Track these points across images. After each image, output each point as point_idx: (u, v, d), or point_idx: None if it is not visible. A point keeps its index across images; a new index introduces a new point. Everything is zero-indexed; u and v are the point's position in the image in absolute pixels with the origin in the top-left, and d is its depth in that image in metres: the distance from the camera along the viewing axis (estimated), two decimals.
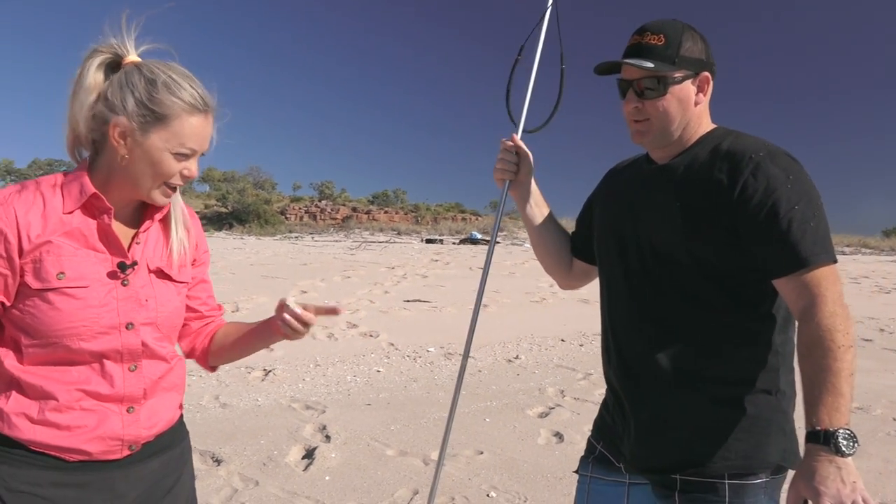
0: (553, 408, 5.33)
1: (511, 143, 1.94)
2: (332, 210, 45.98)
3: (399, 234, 35.53)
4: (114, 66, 1.37)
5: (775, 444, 1.53)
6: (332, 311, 1.51)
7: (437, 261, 18.58)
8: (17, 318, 1.32)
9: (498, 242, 1.92)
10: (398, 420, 4.92)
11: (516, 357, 7.24)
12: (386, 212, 47.83)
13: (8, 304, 1.32)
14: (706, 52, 1.60)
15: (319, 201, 49.93)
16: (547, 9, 2.08)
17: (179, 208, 1.50)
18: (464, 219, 47.26)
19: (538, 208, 1.96)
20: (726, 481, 1.51)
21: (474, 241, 27.58)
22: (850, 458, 1.27)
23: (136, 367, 1.39)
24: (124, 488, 1.40)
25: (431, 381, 6.15)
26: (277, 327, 1.49)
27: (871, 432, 4.98)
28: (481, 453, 4.28)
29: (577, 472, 1.84)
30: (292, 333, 1.48)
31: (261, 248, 21.48)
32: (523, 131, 2.01)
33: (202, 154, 1.41)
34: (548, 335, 8.36)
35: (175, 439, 1.53)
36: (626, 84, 1.61)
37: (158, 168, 1.34)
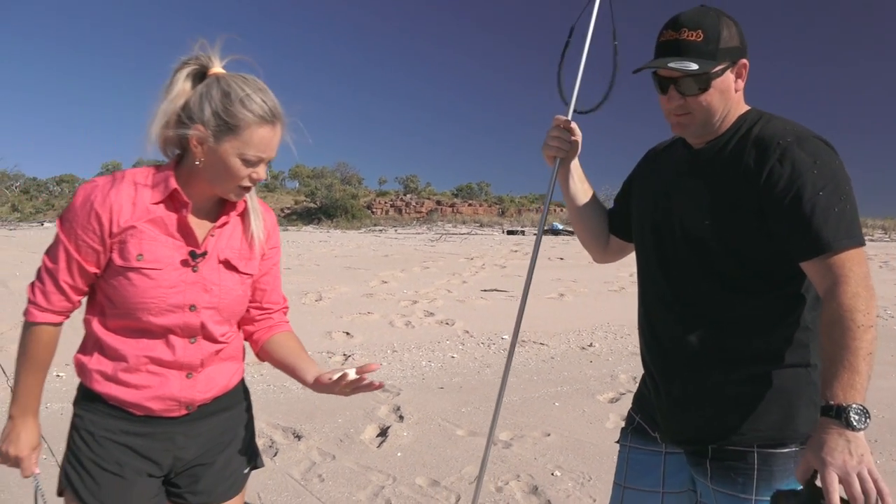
0: (624, 394, 5.35)
1: (565, 120, 1.96)
2: (416, 203, 46.60)
3: (481, 226, 35.66)
4: (200, 76, 1.55)
5: (805, 415, 1.56)
6: (376, 387, 1.66)
7: (516, 251, 18.62)
8: (104, 288, 1.55)
9: (570, 233, 1.92)
10: (469, 403, 5.08)
11: (590, 345, 7.27)
12: (470, 204, 48.07)
13: (99, 273, 1.55)
14: (741, 37, 1.60)
15: (405, 195, 50.68)
16: None
17: (256, 205, 1.68)
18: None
19: (581, 185, 2.01)
20: (755, 450, 1.57)
21: (556, 232, 27.39)
22: (861, 432, 1.30)
23: (195, 340, 1.60)
24: (184, 442, 1.63)
25: (504, 366, 6.27)
26: (322, 384, 1.64)
27: None
28: (549, 435, 4.38)
29: (617, 441, 1.93)
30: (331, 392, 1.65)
31: (345, 241, 22.12)
32: (576, 112, 2.01)
33: (270, 160, 1.57)
34: (624, 324, 8.33)
35: (233, 402, 1.73)
36: (667, 81, 1.60)
37: (229, 172, 1.52)
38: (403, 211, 45.24)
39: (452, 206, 47.24)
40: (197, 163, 1.52)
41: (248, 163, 1.51)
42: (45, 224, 32.17)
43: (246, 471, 1.76)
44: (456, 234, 28.87)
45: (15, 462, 1.61)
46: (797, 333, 1.58)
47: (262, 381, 5.44)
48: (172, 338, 1.57)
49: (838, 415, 1.30)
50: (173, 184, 1.53)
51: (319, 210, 40.21)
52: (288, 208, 42.35)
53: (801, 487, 1.32)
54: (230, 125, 1.48)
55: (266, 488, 3.49)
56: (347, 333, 7.47)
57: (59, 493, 1.62)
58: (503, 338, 7.41)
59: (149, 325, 1.54)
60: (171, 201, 1.55)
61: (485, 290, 11.13)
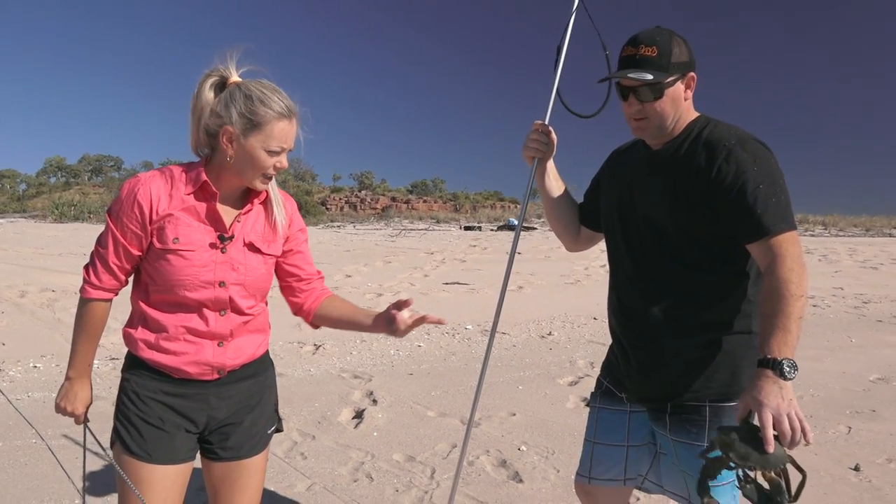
0: (582, 377, 5.70)
1: (542, 124, 2.23)
2: (371, 200, 46.55)
3: (438, 222, 35.91)
4: (221, 85, 1.79)
5: (749, 374, 1.84)
6: (438, 321, 1.89)
7: (474, 246, 18.97)
8: (147, 268, 1.79)
9: (535, 228, 2.11)
10: (438, 387, 5.36)
11: (549, 333, 7.62)
12: (425, 201, 48.23)
13: (142, 255, 1.78)
14: (690, 53, 1.90)
15: (359, 191, 50.56)
16: (574, 8, 2.30)
17: (277, 194, 1.92)
18: (503, 206, 47.39)
19: (556, 182, 2.28)
20: (707, 404, 1.87)
21: (511, 228, 27.83)
22: (790, 382, 1.59)
23: (225, 312, 1.83)
24: (216, 402, 1.86)
25: (469, 354, 6.58)
26: (382, 325, 1.90)
27: (890, 399, 5.24)
28: (514, 415, 4.69)
29: (587, 404, 2.22)
30: (395, 334, 1.89)
31: None
32: (580, 116, 2.23)
33: (290, 150, 1.81)
34: (581, 314, 8.72)
35: (259, 370, 1.97)
36: (626, 90, 1.88)
37: (256, 163, 1.76)
38: (358, 207, 45.20)
39: (408, 202, 47.38)
40: (228, 158, 1.75)
41: (272, 153, 1.75)
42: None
43: (270, 431, 1.99)
44: (415, 229, 29.09)
45: (71, 415, 1.86)
46: (742, 305, 1.88)
47: None
48: (205, 311, 1.80)
49: (773, 366, 1.57)
50: (203, 177, 1.77)
51: None
52: None
53: (738, 424, 1.60)
54: (254, 122, 1.72)
55: None
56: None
57: (111, 446, 1.84)
58: (467, 328, 7.70)
59: (185, 300, 1.77)
60: (202, 192, 1.78)
61: (446, 283, 11.42)
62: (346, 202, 45.98)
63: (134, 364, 1.83)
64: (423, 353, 6.57)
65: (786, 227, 1.74)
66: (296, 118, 1.78)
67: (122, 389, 1.84)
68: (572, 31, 2.32)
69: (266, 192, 1.88)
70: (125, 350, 1.88)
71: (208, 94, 1.75)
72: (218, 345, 1.83)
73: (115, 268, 1.78)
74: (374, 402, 4.91)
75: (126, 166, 53.46)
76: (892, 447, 4.17)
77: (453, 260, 15.53)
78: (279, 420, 2.05)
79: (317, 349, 6.56)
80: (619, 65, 1.90)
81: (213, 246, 1.78)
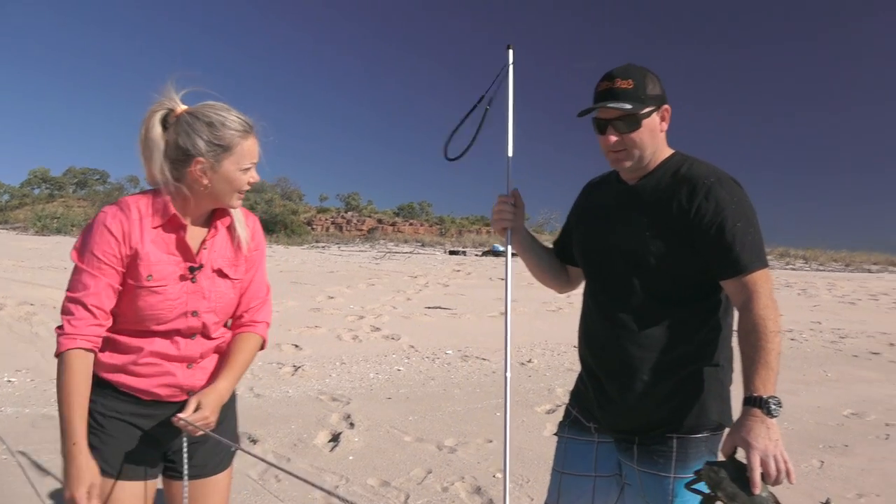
0: (560, 405, 5.72)
1: (507, 197, 2.19)
2: (357, 221, 46.50)
3: (423, 245, 35.94)
4: (167, 118, 1.77)
5: (715, 407, 1.91)
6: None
7: (458, 271, 19.00)
8: (121, 301, 1.78)
9: (514, 255, 2.13)
10: (416, 412, 5.35)
11: (529, 360, 7.64)
12: (411, 224, 48.24)
13: (120, 289, 1.77)
14: (662, 88, 1.95)
15: (345, 213, 50.52)
16: (508, 65, 2.22)
17: (239, 213, 1.93)
18: (488, 231, 47.43)
19: (532, 243, 2.26)
20: (675, 436, 1.89)
21: (496, 254, 27.90)
22: (776, 419, 1.64)
23: (195, 336, 1.86)
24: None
25: (448, 379, 6.58)
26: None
27: (862, 434, 5.31)
28: (491, 441, 4.69)
29: (556, 434, 2.24)
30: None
31: (289, 257, 22.07)
32: (447, 158, 2.19)
33: (257, 163, 1.84)
34: (561, 342, 8.75)
35: None
36: (604, 122, 1.90)
37: (234, 184, 1.79)
38: (344, 228, 45.12)
39: (394, 224, 47.37)
40: (203, 187, 1.77)
41: (244, 171, 1.79)
42: None
43: (233, 449, 2.01)
44: (399, 252, 29.10)
45: (91, 496, 1.68)
46: (711, 337, 1.92)
47: None
48: (177, 337, 1.82)
49: (760, 405, 1.63)
50: (172, 210, 1.78)
51: None
52: None
53: (725, 460, 1.64)
54: (224, 146, 1.75)
55: None
56: (296, 346, 7.66)
57: None
58: (447, 353, 7.71)
59: (158, 330, 1.79)
60: (169, 224, 1.79)
61: (429, 308, 11.43)
62: (332, 223, 45.90)
63: (99, 384, 1.80)
64: (402, 377, 6.56)
65: (760, 264, 1.80)
66: (255, 130, 1.81)
67: (88, 411, 1.79)
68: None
69: (230, 215, 1.89)
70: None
71: (158, 129, 1.76)
72: (187, 367, 1.85)
73: (95, 310, 1.71)
74: (352, 425, 4.90)
75: (112, 180, 53.14)
76: (863, 482, 4.21)
77: (437, 284, 15.54)
78: (239, 439, 2.07)
79: (296, 370, 6.53)
80: (596, 98, 1.93)
81: (182, 278, 1.79)
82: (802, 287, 18.93)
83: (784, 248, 37.84)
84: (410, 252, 29.56)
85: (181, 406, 1.82)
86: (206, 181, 1.76)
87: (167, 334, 1.80)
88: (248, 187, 1.83)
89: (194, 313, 1.81)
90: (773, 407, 1.62)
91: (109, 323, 1.75)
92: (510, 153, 2.21)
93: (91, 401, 1.78)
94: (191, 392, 1.85)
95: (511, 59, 2.21)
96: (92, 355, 1.73)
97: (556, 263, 2.29)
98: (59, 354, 1.68)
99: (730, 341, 1.97)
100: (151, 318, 1.76)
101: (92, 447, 1.75)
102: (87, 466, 1.68)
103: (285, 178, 52.52)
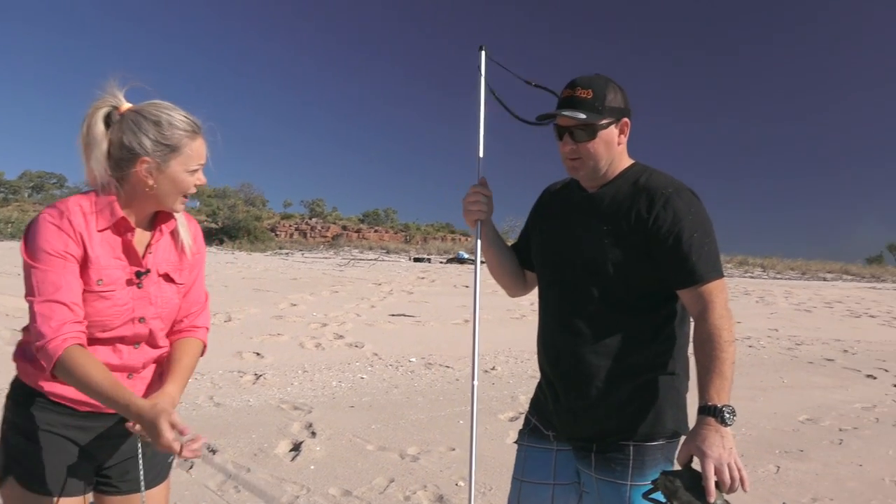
0: (522, 413, 5.72)
1: (480, 187, 2.16)
2: (322, 228, 46.23)
3: (388, 252, 35.85)
4: (111, 115, 1.70)
5: (670, 415, 1.93)
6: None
7: (423, 278, 18.99)
8: None
9: (483, 262, 2.13)
10: (379, 420, 5.31)
11: (493, 368, 7.66)
12: (376, 230, 48.13)
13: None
14: (625, 101, 1.97)
15: (310, 219, 50.19)
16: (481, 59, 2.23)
17: (182, 217, 1.88)
18: (453, 239, 47.58)
19: (498, 238, 2.26)
20: (631, 444, 1.91)
21: (461, 261, 27.99)
22: (730, 427, 1.66)
23: (138, 345, 1.79)
24: (120, 434, 1.79)
25: (411, 387, 6.56)
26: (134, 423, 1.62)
27: (817, 440, 5.42)
28: (453, 450, 4.68)
29: (515, 442, 2.24)
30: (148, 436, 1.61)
31: (252, 263, 21.82)
32: (523, 121, 2.11)
33: (204, 164, 1.79)
34: (524, 349, 8.78)
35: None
36: (562, 129, 1.92)
37: (179, 186, 1.73)
38: (308, 235, 44.82)
39: (358, 231, 47.22)
40: (148, 188, 1.70)
41: (191, 173, 1.74)
42: None
43: (170, 461, 1.94)
44: (363, 259, 28.97)
45: (175, 430, 1.60)
46: (667, 346, 1.94)
47: None
48: (119, 345, 1.75)
49: (714, 413, 1.65)
50: (119, 212, 1.71)
51: (221, 230, 39.20)
52: None
53: (681, 469, 1.66)
54: (171, 146, 1.69)
55: (183, 499, 3.60)
56: (258, 354, 7.54)
57: (0, 482, 1.72)
58: (410, 360, 7.68)
59: (101, 338, 1.71)
60: (117, 227, 1.72)
61: (393, 315, 11.38)
62: (296, 229, 45.56)
63: (29, 395, 1.72)
64: (365, 385, 6.52)
65: (716, 275, 1.82)
66: (202, 131, 1.76)
67: (13, 424, 1.74)
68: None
69: (174, 219, 1.84)
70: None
71: (101, 126, 1.69)
72: (128, 377, 1.78)
73: (73, 307, 1.60)
74: (313, 434, 4.84)
75: (69, 184, 51.97)
76: (817, 487, 4.30)
77: (401, 291, 15.51)
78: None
79: (257, 379, 6.44)
80: (558, 106, 1.95)
81: (129, 283, 1.73)
82: (760, 295, 19.34)
83: (743, 257, 38.70)
84: (375, 259, 29.47)
85: (119, 417, 1.74)
86: (151, 182, 1.70)
87: (109, 342, 1.73)
88: (193, 190, 1.77)
89: (141, 319, 1.75)
90: (728, 416, 1.64)
91: (83, 313, 1.64)
92: (481, 153, 2.21)
93: (21, 415, 1.72)
94: None
95: (483, 61, 2.21)
96: (88, 350, 1.62)
97: (516, 263, 2.28)
98: (55, 363, 1.56)
99: (686, 350, 1.99)
100: (97, 325, 1.68)
101: (25, 464, 1.68)
102: (152, 407, 1.57)
103: (249, 184, 52.12)
